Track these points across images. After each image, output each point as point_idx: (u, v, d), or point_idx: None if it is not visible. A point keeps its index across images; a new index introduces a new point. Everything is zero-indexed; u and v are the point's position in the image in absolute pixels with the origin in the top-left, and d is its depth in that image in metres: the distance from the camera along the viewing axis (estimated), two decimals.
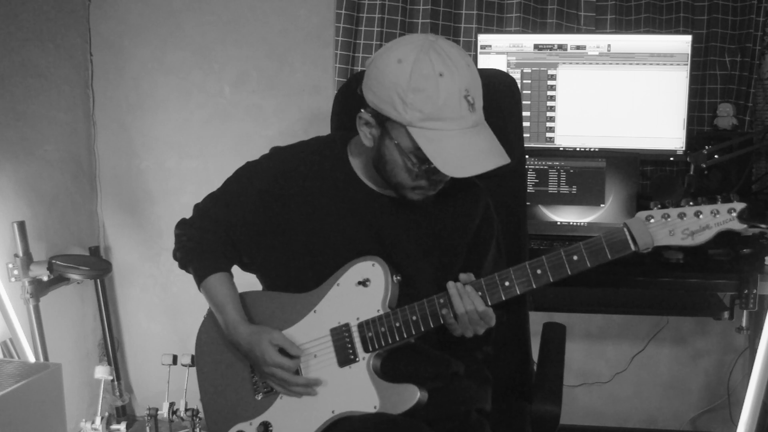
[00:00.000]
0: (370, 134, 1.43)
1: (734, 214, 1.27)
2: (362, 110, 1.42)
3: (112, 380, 2.86)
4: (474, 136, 1.35)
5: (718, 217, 1.28)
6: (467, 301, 1.37)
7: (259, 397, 1.52)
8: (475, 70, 1.37)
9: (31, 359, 2.40)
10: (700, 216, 1.29)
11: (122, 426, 2.69)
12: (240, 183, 1.60)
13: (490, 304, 1.38)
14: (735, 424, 2.29)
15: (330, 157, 1.55)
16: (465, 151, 1.33)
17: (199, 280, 1.57)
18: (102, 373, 2.68)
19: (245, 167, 1.61)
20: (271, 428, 1.49)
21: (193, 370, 2.59)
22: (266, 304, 1.55)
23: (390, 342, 1.41)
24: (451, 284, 1.39)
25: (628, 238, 1.32)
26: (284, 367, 1.46)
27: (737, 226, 1.27)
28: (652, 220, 1.31)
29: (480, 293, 1.38)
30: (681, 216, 1.30)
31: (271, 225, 1.54)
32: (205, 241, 1.59)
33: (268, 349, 1.46)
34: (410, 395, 1.37)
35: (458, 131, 1.33)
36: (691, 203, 1.30)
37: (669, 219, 1.30)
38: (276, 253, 1.55)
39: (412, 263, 1.48)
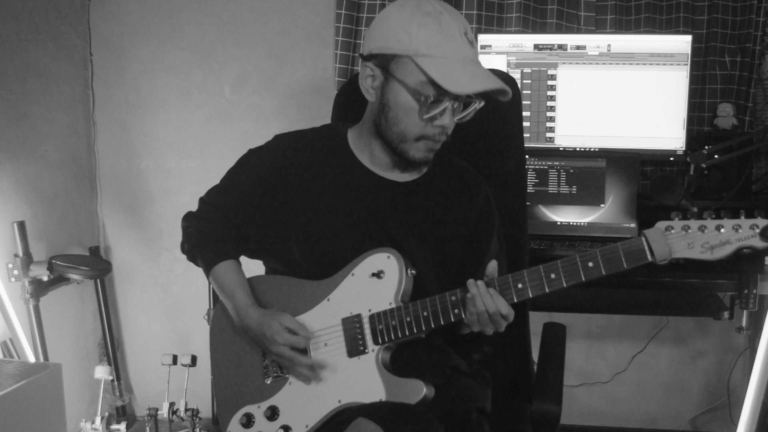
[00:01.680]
0: (373, 87, 1.46)
1: (757, 231, 1.24)
2: (366, 63, 1.46)
3: (112, 380, 2.86)
4: (474, 67, 1.44)
5: (740, 233, 1.25)
6: (489, 303, 1.36)
7: (269, 381, 1.52)
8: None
9: (31, 359, 2.40)
10: (722, 230, 1.26)
11: (122, 426, 2.69)
12: (242, 170, 1.62)
13: None
14: (735, 424, 2.29)
15: (331, 143, 1.57)
16: (469, 73, 1.41)
17: (207, 269, 1.58)
18: (102, 373, 2.68)
19: (247, 154, 1.63)
20: (278, 412, 1.49)
21: (193, 370, 2.63)
22: (278, 290, 1.55)
23: (400, 336, 1.42)
24: (471, 282, 1.38)
25: (646, 248, 1.29)
26: (293, 344, 1.46)
27: (759, 243, 1.24)
28: (671, 231, 1.28)
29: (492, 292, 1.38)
30: (701, 229, 1.26)
31: (273, 210, 1.55)
32: (211, 231, 1.60)
33: (279, 329, 1.46)
34: (416, 390, 1.37)
35: (461, 60, 1.41)
36: (713, 216, 1.26)
37: (689, 231, 1.27)
38: (279, 237, 1.55)
39: (412, 247, 1.49)
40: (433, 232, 1.52)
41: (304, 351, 1.48)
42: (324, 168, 1.54)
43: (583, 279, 1.34)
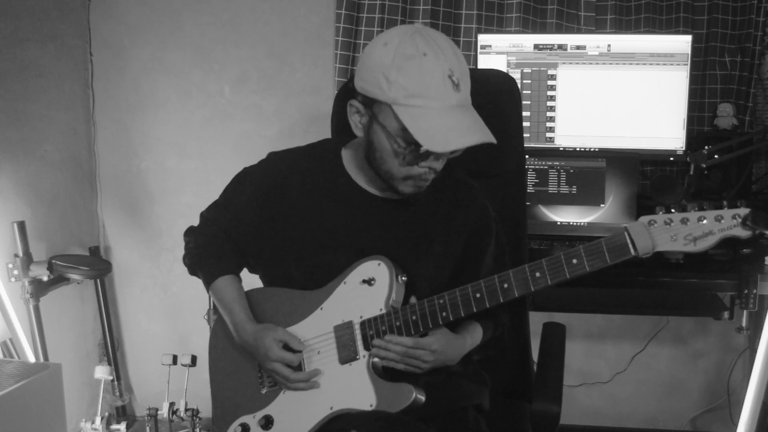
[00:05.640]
0: (360, 123, 1.44)
1: (738, 220, 1.25)
2: (352, 99, 1.43)
3: (112, 380, 2.86)
4: (458, 115, 1.35)
5: (723, 223, 1.26)
6: (393, 348, 1.40)
7: (264, 391, 1.54)
8: (462, 58, 1.38)
9: (31, 359, 2.40)
10: (704, 221, 1.26)
11: (122, 426, 2.69)
12: (237, 188, 1.63)
13: (488, 305, 1.38)
14: (735, 424, 2.29)
15: (324, 161, 1.57)
16: (448, 127, 1.33)
17: (207, 283, 1.60)
18: (102, 373, 2.68)
19: (242, 173, 1.64)
20: (272, 421, 1.50)
21: (193, 370, 2.63)
22: (274, 301, 1.57)
23: None
24: (377, 341, 1.42)
25: (629, 242, 1.30)
26: (286, 361, 1.47)
27: (741, 232, 1.25)
28: (654, 225, 1.29)
29: (478, 295, 1.38)
30: (684, 221, 1.27)
31: (269, 227, 1.56)
32: (211, 246, 1.62)
33: (272, 345, 1.47)
34: (406, 395, 1.38)
35: (441, 109, 1.33)
36: (695, 208, 1.27)
37: (672, 224, 1.28)
38: (275, 254, 1.57)
39: (408, 263, 1.49)
40: (426, 246, 1.52)
41: (299, 364, 1.49)
42: (317, 186, 1.54)
43: (568, 276, 1.34)
